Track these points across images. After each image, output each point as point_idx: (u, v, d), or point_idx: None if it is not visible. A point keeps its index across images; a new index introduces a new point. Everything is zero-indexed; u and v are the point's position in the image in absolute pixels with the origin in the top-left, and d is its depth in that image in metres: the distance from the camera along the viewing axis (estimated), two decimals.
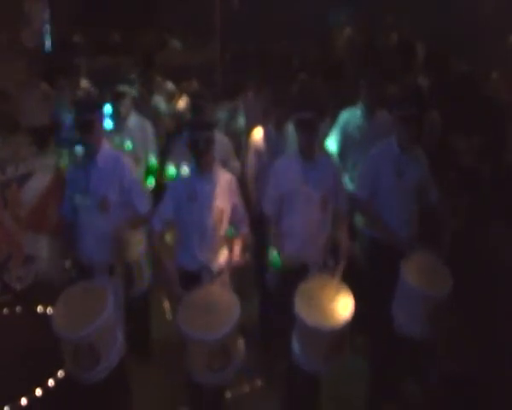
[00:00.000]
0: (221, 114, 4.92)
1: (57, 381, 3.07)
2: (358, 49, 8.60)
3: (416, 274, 3.14)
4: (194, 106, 4.21)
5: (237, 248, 3.38)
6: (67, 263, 4.09)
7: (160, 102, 5.60)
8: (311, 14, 9.64)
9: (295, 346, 3.09)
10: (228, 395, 3.65)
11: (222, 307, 3.00)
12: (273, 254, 3.43)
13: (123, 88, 4.04)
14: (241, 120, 5.25)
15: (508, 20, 7.23)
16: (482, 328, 3.38)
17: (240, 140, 4.73)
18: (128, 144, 4.14)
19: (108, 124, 4.01)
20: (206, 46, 7.80)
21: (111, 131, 4.05)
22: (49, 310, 3.52)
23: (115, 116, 4.13)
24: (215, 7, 7.16)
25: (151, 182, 4.26)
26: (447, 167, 4.23)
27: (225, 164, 3.93)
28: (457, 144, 4.57)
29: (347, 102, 4.34)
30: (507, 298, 3.24)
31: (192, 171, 3.38)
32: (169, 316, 4.56)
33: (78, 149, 3.39)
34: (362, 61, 6.69)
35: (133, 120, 4.26)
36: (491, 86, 6.07)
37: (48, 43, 8.88)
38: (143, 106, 4.78)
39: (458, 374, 3.43)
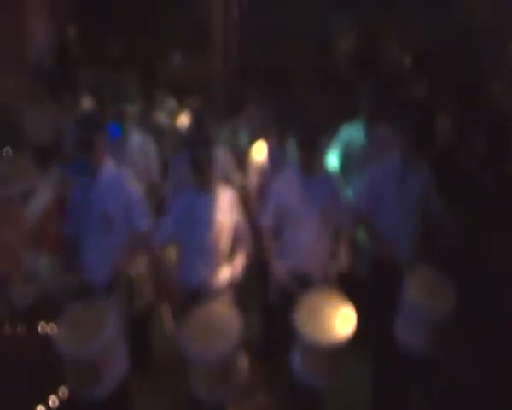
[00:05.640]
0: (223, 132, 4.93)
1: (59, 399, 3.07)
2: (359, 60, 8.63)
3: (419, 290, 3.12)
4: (194, 122, 4.24)
5: (238, 264, 3.39)
6: (69, 281, 4.09)
7: (161, 118, 5.64)
8: (312, 21, 9.64)
9: (296, 360, 3.08)
10: None
11: (223, 325, 2.99)
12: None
13: (125, 106, 4.06)
14: (244, 138, 5.24)
15: (508, 29, 7.25)
16: (485, 337, 3.37)
17: (242, 158, 4.74)
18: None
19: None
20: (208, 59, 7.83)
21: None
22: (52, 328, 3.52)
23: (118, 134, 4.14)
24: (217, 18, 7.20)
25: None
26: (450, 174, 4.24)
27: (227, 179, 3.94)
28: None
29: (348, 115, 4.34)
30: (510, 306, 3.24)
31: (193, 188, 3.39)
32: (170, 333, 4.54)
33: (81, 167, 3.40)
34: (362, 73, 6.72)
35: (135, 137, 4.29)
36: (493, 95, 6.08)
37: (51, 59, 8.93)
38: (145, 123, 4.81)
39: (461, 383, 3.42)
